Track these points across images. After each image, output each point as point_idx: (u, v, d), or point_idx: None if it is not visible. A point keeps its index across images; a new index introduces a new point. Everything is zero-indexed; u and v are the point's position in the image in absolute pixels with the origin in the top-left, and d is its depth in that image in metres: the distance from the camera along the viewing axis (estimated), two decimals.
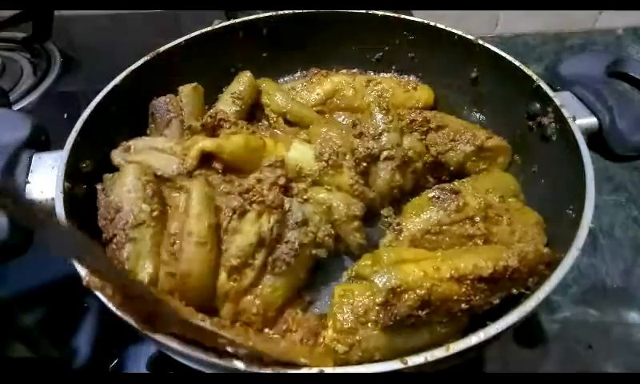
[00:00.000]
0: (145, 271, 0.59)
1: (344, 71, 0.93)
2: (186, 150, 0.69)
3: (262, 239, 0.58)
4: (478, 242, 0.59)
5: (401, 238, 0.61)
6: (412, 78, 0.92)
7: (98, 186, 0.64)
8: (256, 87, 0.85)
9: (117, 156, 0.71)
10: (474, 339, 0.46)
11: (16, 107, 1.12)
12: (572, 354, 0.76)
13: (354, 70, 0.95)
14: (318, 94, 0.86)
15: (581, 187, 0.60)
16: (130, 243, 0.59)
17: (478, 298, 0.54)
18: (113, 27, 1.43)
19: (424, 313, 0.52)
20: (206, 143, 0.68)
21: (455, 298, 0.53)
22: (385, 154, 0.69)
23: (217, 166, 0.69)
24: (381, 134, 0.70)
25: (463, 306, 0.53)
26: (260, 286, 0.60)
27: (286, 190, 0.65)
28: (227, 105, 0.82)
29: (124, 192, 0.61)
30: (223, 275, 0.58)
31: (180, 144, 0.71)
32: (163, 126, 0.76)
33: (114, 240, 0.60)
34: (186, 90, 0.80)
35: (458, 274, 0.53)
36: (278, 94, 0.85)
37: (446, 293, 0.52)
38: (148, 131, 0.80)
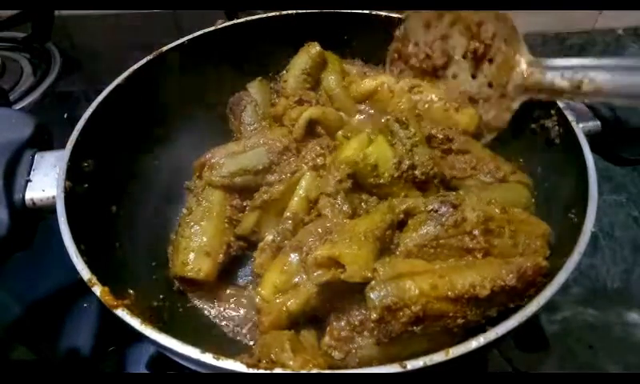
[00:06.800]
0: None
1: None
2: (293, 120, 0.76)
3: None
4: (478, 255, 0.57)
5: (397, 253, 0.60)
6: None
7: None
8: (323, 60, 0.86)
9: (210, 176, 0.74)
10: (473, 344, 0.46)
11: (16, 107, 1.12)
12: (572, 353, 0.76)
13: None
14: (357, 92, 0.84)
15: (583, 191, 0.59)
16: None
17: (473, 313, 0.53)
18: (113, 27, 1.43)
19: (419, 328, 0.52)
20: (312, 111, 0.77)
21: (451, 314, 0.52)
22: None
23: (321, 131, 0.77)
24: (411, 150, 0.68)
25: (459, 321, 0.53)
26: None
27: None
28: (298, 81, 0.85)
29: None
30: None
31: (254, 135, 0.78)
32: (240, 112, 0.85)
33: None
34: (253, 84, 0.87)
35: (454, 294, 0.52)
36: (332, 76, 0.85)
37: (441, 309, 0.52)
38: (229, 125, 0.87)
